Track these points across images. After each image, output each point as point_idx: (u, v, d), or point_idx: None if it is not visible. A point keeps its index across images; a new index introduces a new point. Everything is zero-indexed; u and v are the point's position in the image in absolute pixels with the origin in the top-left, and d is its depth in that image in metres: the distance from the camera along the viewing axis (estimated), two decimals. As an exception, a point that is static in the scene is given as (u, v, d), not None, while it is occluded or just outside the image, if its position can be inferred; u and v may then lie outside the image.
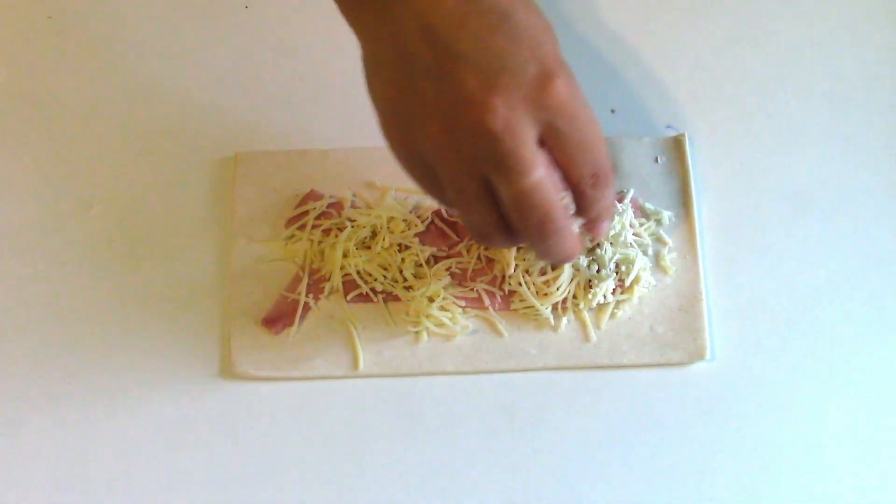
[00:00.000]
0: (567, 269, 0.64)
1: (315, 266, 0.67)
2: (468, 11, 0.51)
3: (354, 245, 0.66)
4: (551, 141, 0.52)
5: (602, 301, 0.65)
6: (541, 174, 0.52)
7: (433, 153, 0.53)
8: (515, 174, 0.51)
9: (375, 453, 0.64)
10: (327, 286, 0.67)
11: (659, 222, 0.68)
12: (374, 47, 0.54)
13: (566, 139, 0.52)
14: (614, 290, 0.65)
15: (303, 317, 0.66)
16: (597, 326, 0.65)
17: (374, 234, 0.67)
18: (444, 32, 0.50)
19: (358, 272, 0.66)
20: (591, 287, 0.65)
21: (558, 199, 0.54)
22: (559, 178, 0.54)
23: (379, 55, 0.54)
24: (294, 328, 0.66)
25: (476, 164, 0.52)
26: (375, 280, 0.66)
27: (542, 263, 0.64)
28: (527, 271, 0.65)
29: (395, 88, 0.53)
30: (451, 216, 0.68)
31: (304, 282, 0.67)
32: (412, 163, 0.55)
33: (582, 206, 0.56)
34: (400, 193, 0.69)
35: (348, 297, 0.66)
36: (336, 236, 0.67)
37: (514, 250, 0.64)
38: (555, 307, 0.65)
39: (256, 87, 0.73)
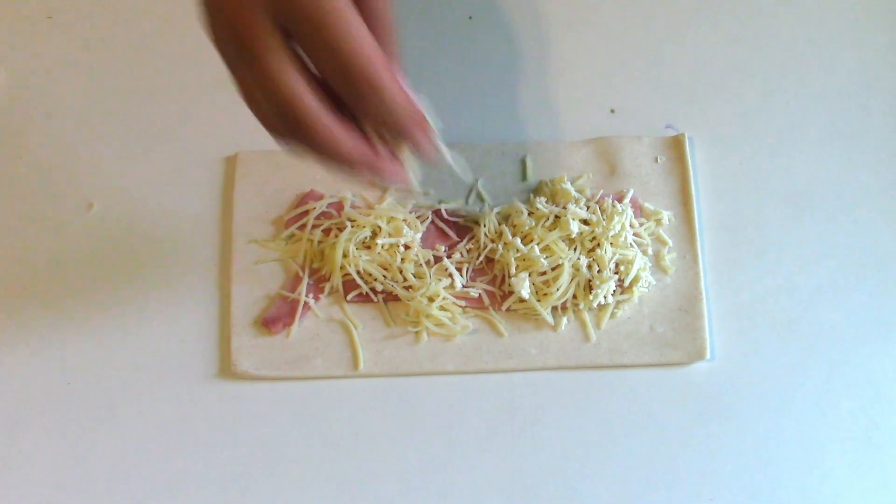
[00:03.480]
0: (567, 270, 0.65)
1: (315, 266, 0.67)
2: None
3: (354, 245, 0.66)
4: (294, 35, 0.50)
5: (602, 302, 0.65)
6: (274, 64, 0.49)
7: (206, 30, 0.51)
8: (249, 62, 0.50)
9: (375, 453, 0.64)
10: (327, 286, 0.67)
11: (659, 222, 0.68)
12: None
13: (303, 32, 0.49)
14: (614, 290, 0.65)
15: (303, 317, 0.66)
16: (597, 326, 0.66)
17: (374, 235, 0.67)
18: None
19: (358, 272, 0.66)
20: (591, 288, 0.65)
21: (301, 91, 0.50)
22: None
23: None
24: (294, 328, 0.66)
25: (226, 47, 0.51)
26: (375, 280, 0.66)
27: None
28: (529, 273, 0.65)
29: None
30: (451, 216, 0.68)
31: (304, 282, 0.67)
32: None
33: (354, 109, 0.52)
34: (400, 193, 0.69)
35: (348, 297, 0.66)
36: (336, 236, 0.67)
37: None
38: (555, 307, 0.65)
39: (256, 87, 0.73)
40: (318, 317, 0.66)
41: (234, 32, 0.50)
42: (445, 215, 0.68)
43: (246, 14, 0.49)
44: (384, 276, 0.66)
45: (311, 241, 0.68)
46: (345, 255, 0.66)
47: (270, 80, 0.50)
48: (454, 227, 0.68)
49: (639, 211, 0.68)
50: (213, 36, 0.51)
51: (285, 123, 0.52)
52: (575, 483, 0.63)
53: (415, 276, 0.66)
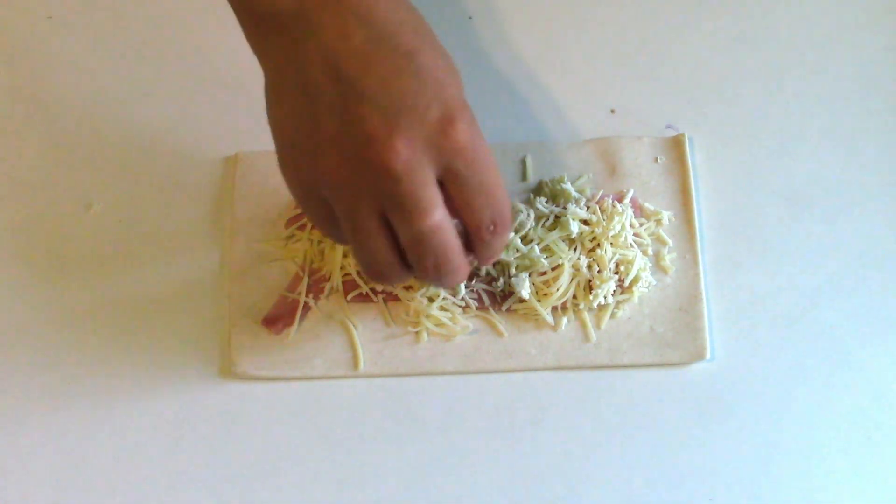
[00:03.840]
0: (567, 270, 0.65)
1: (315, 266, 0.67)
2: (375, 51, 0.51)
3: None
4: (451, 184, 0.52)
5: (602, 302, 0.65)
6: (440, 216, 0.52)
7: (330, 187, 0.52)
8: (415, 216, 0.52)
9: (375, 453, 0.64)
10: (327, 286, 0.67)
11: (659, 222, 0.68)
12: (278, 77, 0.54)
13: (465, 183, 0.52)
14: (614, 290, 0.65)
15: (303, 317, 0.66)
16: (597, 327, 0.66)
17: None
18: (350, 70, 0.51)
19: (358, 272, 0.66)
20: (591, 288, 0.65)
21: (456, 241, 0.54)
22: (457, 221, 0.55)
23: (282, 85, 0.53)
24: (294, 328, 0.66)
25: (375, 201, 0.52)
26: (375, 280, 0.66)
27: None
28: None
29: (296, 120, 0.53)
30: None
31: (304, 282, 0.67)
32: (307, 196, 0.54)
33: (478, 250, 0.56)
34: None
35: (348, 297, 0.66)
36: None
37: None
38: (555, 307, 0.65)
39: (256, 87, 0.73)
40: (318, 317, 0.66)
41: (398, 188, 0.51)
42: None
43: (416, 168, 0.51)
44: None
45: (311, 241, 0.68)
46: (345, 255, 0.66)
47: (437, 232, 0.53)
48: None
49: (639, 211, 0.68)
50: (351, 192, 0.52)
51: (435, 271, 0.54)
52: (575, 483, 0.63)
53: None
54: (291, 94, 0.53)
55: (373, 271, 0.56)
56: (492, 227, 0.54)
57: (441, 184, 0.52)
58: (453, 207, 0.54)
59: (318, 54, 0.51)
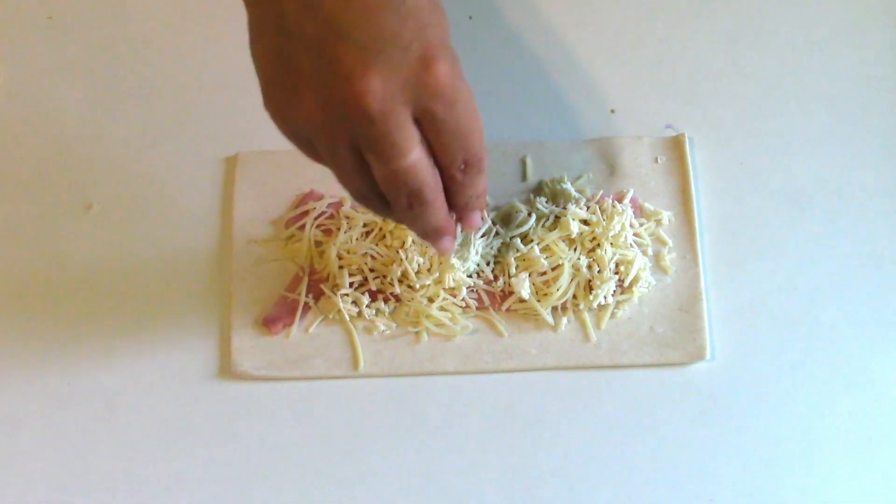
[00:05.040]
0: (567, 270, 0.65)
1: (315, 266, 0.67)
2: None
3: (357, 239, 0.66)
4: (426, 124, 0.51)
5: (602, 302, 0.65)
6: (414, 157, 0.51)
7: (310, 126, 0.52)
8: (388, 155, 0.51)
9: (375, 453, 0.64)
10: (327, 286, 0.67)
11: (659, 222, 0.68)
12: (257, 12, 0.52)
13: (441, 124, 0.51)
14: (614, 290, 0.65)
15: (303, 317, 0.66)
16: (597, 327, 0.66)
17: (368, 233, 0.67)
18: (329, 6, 0.49)
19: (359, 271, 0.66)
20: (591, 288, 0.65)
21: (430, 179, 0.53)
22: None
23: (261, 21, 0.52)
24: (294, 328, 0.66)
25: (351, 139, 0.51)
26: (375, 279, 0.66)
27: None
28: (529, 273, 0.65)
29: (275, 58, 0.52)
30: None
31: (304, 282, 0.67)
32: (290, 132, 0.54)
33: (451, 190, 0.55)
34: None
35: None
36: (336, 236, 0.67)
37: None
38: (555, 307, 0.65)
39: (256, 87, 0.73)
40: (318, 317, 0.66)
41: (373, 129, 0.50)
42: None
43: (392, 108, 0.49)
44: (384, 277, 0.66)
45: (311, 241, 0.68)
46: (347, 254, 0.66)
47: (412, 172, 0.52)
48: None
49: (639, 211, 0.68)
50: (328, 131, 0.51)
51: (409, 207, 0.54)
52: (575, 483, 0.63)
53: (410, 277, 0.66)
54: (270, 31, 0.52)
55: (357, 198, 0.56)
56: (462, 167, 0.53)
57: (417, 121, 0.51)
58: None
59: None
